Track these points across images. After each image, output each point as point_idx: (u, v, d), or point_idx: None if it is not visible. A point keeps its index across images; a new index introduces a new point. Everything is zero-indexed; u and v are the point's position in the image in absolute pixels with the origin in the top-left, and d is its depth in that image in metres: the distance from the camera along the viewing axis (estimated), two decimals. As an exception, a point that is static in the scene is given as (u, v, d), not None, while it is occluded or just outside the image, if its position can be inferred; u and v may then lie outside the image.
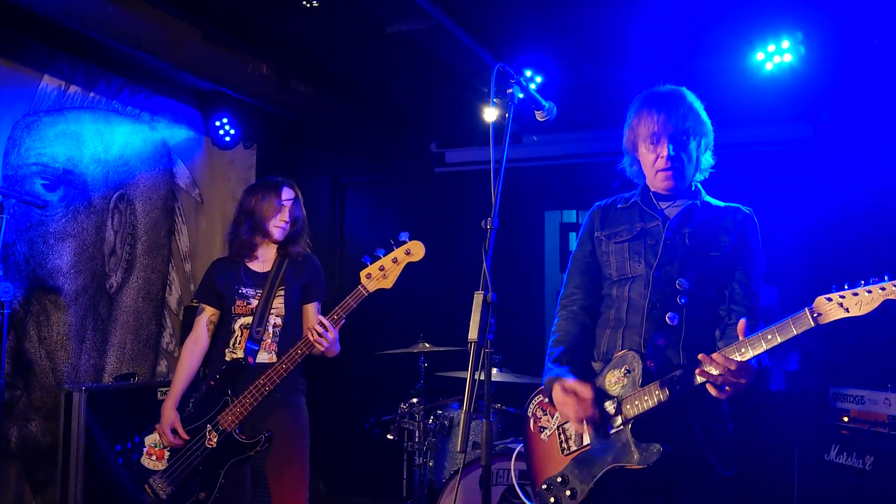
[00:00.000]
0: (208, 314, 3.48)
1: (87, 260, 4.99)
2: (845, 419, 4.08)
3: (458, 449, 1.90)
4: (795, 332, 2.00)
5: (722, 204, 2.52)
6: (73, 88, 4.90)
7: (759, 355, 2.07)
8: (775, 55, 4.40)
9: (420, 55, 4.58)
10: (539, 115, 2.33)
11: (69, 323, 4.85)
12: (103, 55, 4.88)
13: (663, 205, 2.49)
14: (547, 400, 2.46)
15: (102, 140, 5.12)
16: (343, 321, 3.22)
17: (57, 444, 4.34)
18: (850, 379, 4.19)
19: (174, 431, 3.25)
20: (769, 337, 2.04)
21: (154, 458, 3.29)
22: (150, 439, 3.33)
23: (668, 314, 2.33)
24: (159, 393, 4.73)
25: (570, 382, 2.32)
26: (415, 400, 4.40)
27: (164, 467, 3.28)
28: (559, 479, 2.39)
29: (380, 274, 3.18)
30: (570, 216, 6.04)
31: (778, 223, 4.85)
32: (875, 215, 4.60)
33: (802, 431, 4.29)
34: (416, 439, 4.33)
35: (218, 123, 5.92)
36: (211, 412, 3.27)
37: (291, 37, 4.76)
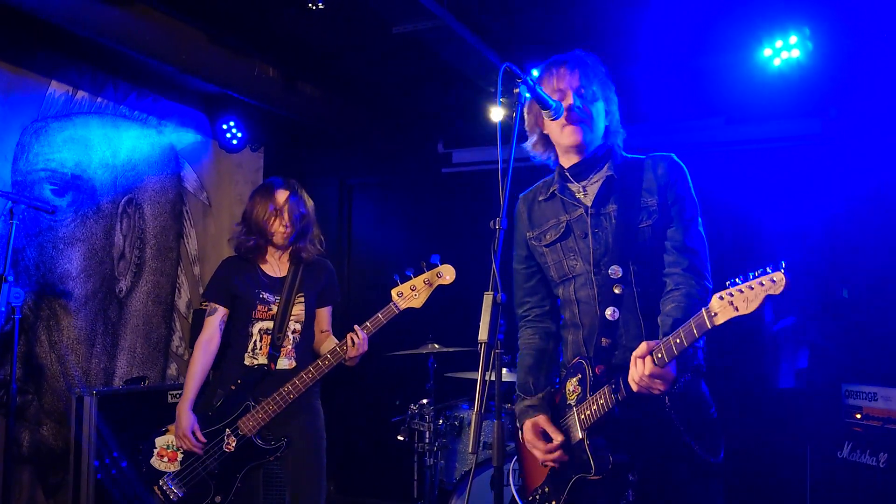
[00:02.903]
0: (221, 315, 3.41)
1: (97, 264, 5.01)
2: (858, 416, 4.05)
3: (470, 450, 1.89)
4: (697, 335, 1.93)
5: (642, 157, 2.37)
6: (80, 94, 4.92)
7: (674, 359, 1.99)
8: (783, 51, 4.37)
9: (426, 56, 4.57)
10: (546, 115, 2.31)
11: (79, 327, 4.87)
12: (110, 60, 4.89)
13: (579, 185, 2.37)
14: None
15: (110, 145, 5.13)
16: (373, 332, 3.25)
17: (69, 447, 4.36)
18: (862, 375, 4.16)
19: (194, 434, 3.21)
20: (678, 341, 1.97)
21: (166, 459, 3.27)
22: (162, 440, 3.31)
23: (609, 309, 2.23)
24: (170, 396, 4.74)
25: (544, 422, 2.28)
26: (425, 401, 4.40)
27: (175, 469, 3.26)
28: (541, 491, 2.37)
29: (411, 294, 3.23)
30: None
31: (788, 219, 4.83)
32: (886, 210, 4.57)
33: (814, 429, 4.26)
34: (427, 440, 4.33)
35: (225, 126, 5.93)
36: (231, 416, 3.25)
37: (297, 39, 4.77)
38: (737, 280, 1.88)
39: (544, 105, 2.25)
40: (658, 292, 2.25)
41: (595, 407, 2.17)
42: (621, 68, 5.00)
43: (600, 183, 2.33)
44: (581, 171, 2.38)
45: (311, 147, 6.50)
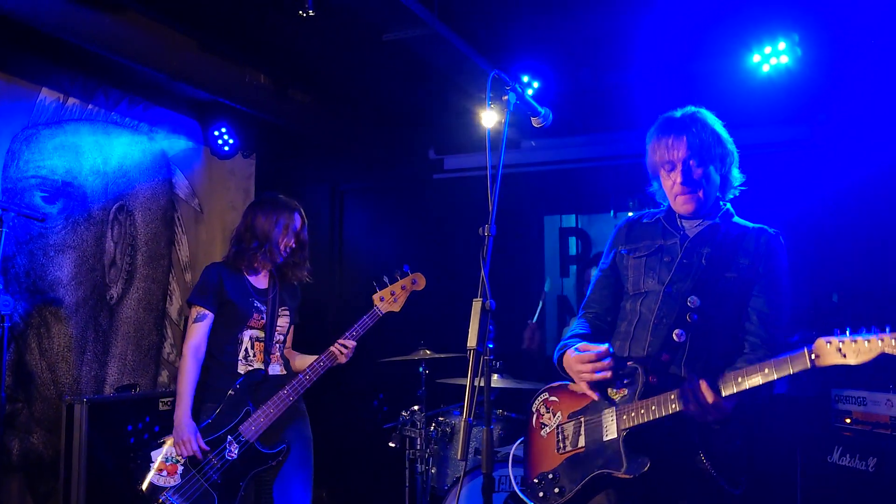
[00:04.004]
0: (210, 320, 3.37)
1: (88, 271, 4.99)
2: (847, 421, 4.07)
3: (459, 457, 1.89)
4: (792, 371, 2.01)
5: (750, 225, 2.51)
6: (71, 101, 4.91)
7: (753, 387, 2.07)
8: (772, 57, 4.40)
9: (417, 63, 4.59)
10: (535, 122, 2.34)
11: (70, 334, 4.85)
12: (101, 67, 4.89)
13: (686, 224, 2.51)
14: (555, 398, 2.50)
15: (101, 152, 5.13)
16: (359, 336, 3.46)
17: (59, 456, 4.34)
18: (851, 380, 4.18)
19: (195, 441, 3.18)
20: (766, 371, 2.05)
21: (165, 473, 3.17)
22: (158, 454, 3.21)
23: (676, 331, 2.33)
24: (161, 403, 4.72)
25: (584, 345, 2.37)
26: (416, 407, 4.40)
27: (176, 483, 3.17)
28: (550, 476, 2.44)
29: (391, 298, 3.51)
30: (570, 220, 6.04)
31: (776, 225, 4.85)
32: (873, 216, 4.60)
33: (805, 433, 4.28)
34: (418, 447, 4.32)
35: (216, 133, 5.93)
36: (231, 423, 3.25)
37: (288, 46, 4.78)
38: (847, 331, 1.96)
39: (533, 112, 2.29)
40: (724, 339, 2.35)
41: (643, 411, 2.24)
42: (611, 75, 5.04)
43: (704, 227, 2.47)
44: (691, 217, 2.51)
45: (303, 153, 6.51)
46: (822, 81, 4.62)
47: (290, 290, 3.63)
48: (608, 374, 2.30)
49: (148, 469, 3.18)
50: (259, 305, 3.43)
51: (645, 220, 2.61)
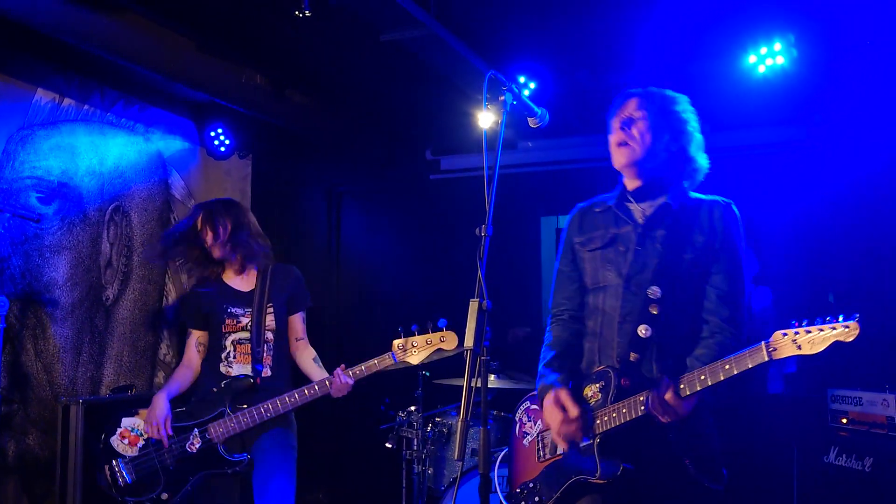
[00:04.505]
0: (196, 336, 3.56)
1: (84, 272, 4.98)
2: (844, 421, 4.08)
3: (456, 457, 1.89)
4: (751, 365, 2.00)
5: (703, 198, 2.45)
6: (67, 101, 4.90)
7: (715, 384, 2.05)
8: (767, 58, 4.41)
9: (414, 63, 4.59)
10: (531, 122, 2.34)
11: (66, 335, 4.84)
12: (97, 68, 4.88)
13: (637, 206, 2.44)
14: (536, 406, 2.47)
15: (97, 152, 5.12)
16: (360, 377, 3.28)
17: (55, 457, 4.32)
18: (848, 380, 4.19)
19: (165, 422, 3.26)
20: (727, 367, 2.04)
21: (126, 441, 3.29)
22: (129, 422, 3.32)
23: (642, 327, 2.29)
24: (157, 405, 4.71)
25: (564, 396, 2.30)
26: (413, 408, 4.40)
27: (132, 454, 3.27)
28: (531, 485, 2.41)
29: (411, 349, 3.22)
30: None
31: (772, 225, 4.86)
32: (870, 216, 4.61)
33: (801, 434, 4.29)
34: (415, 447, 4.32)
35: (213, 134, 5.91)
36: (203, 418, 3.29)
37: (285, 47, 4.77)
38: (803, 322, 1.95)
39: (530, 112, 2.29)
40: (688, 323, 2.32)
41: (615, 414, 2.21)
42: (607, 76, 5.04)
43: (655, 207, 2.41)
44: (641, 195, 2.46)
45: (300, 154, 6.50)
46: (818, 82, 4.63)
47: (277, 281, 3.52)
48: (573, 433, 2.27)
49: (113, 432, 3.30)
50: (234, 310, 3.45)
51: (597, 209, 2.54)
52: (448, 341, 3.21)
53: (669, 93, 2.50)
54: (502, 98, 2.20)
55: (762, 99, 4.65)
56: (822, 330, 1.92)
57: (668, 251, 2.32)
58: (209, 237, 3.45)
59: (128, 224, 5.35)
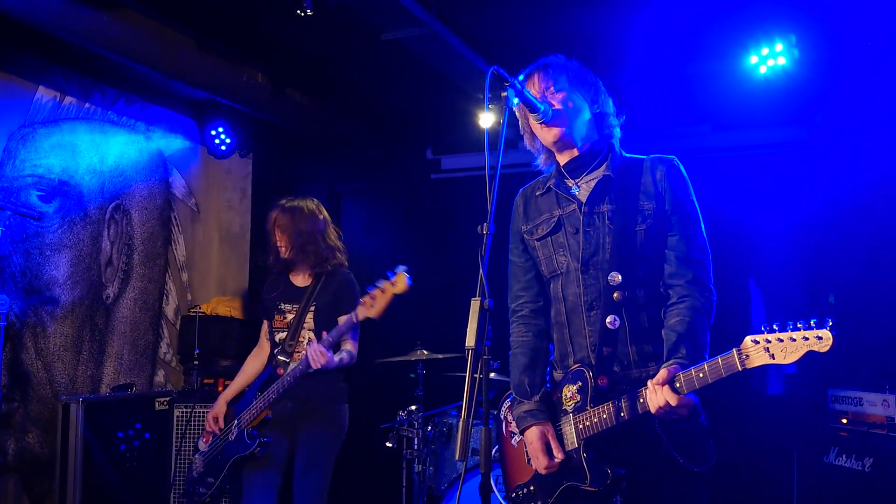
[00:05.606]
0: (264, 327, 3.75)
1: (84, 271, 4.98)
2: (844, 421, 4.08)
3: (457, 457, 1.88)
4: (724, 374, 1.93)
5: (643, 158, 2.35)
6: (68, 99, 4.90)
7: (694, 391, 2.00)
8: (769, 58, 4.40)
9: (415, 62, 4.58)
10: (534, 118, 2.32)
11: (66, 334, 4.84)
12: (98, 66, 4.88)
13: (576, 182, 2.34)
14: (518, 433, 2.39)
15: (98, 151, 5.12)
16: (333, 341, 3.37)
17: (55, 455, 4.32)
18: (848, 381, 4.19)
19: (215, 419, 3.59)
20: (701, 375, 1.97)
21: (204, 441, 3.70)
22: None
23: (609, 317, 2.21)
24: (157, 403, 4.72)
25: (550, 437, 2.26)
26: (413, 407, 4.39)
27: (205, 449, 3.66)
28: (525, 490, 2.36)
29: (370, 303, 3.27)
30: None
31: (773, 226, 4.86)
32: (871, 217, 4.61)
33: (801, 434, 4.29)
34: (416, 447, 4.32)
35: (213, 132, 5.92)
36: (241, 410, 3.54)
37: (286, 45, 4.77)
38: (774, 327, 1.87)
39: (532, 108, 2.26)
40: (656, 298, 2.24)
41: (596, 420, 2.16)
42: (609, 76, 5.03)
43: (596, 181, 2.31)
44: (577, 167, 2.36)
45: (300, 153, 6.50)
46: (820, 83, 4.62)
47: (326, 283, 3.59)
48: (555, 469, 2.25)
49: (202, 436, 3.80)
50: (283, 306, 3.60)
51: (538, 193, 2.43)
52: (398, 283, 3.23)
53: (565, 57, 2.41)
54: (504, 94, 2.18)
55: (763, 99, 4.64)
56: (793, 339, 1.84)
57: (618, 227, 2.23)
58: (275, 241, 3.62)
59: (128, 222, 5.35)
